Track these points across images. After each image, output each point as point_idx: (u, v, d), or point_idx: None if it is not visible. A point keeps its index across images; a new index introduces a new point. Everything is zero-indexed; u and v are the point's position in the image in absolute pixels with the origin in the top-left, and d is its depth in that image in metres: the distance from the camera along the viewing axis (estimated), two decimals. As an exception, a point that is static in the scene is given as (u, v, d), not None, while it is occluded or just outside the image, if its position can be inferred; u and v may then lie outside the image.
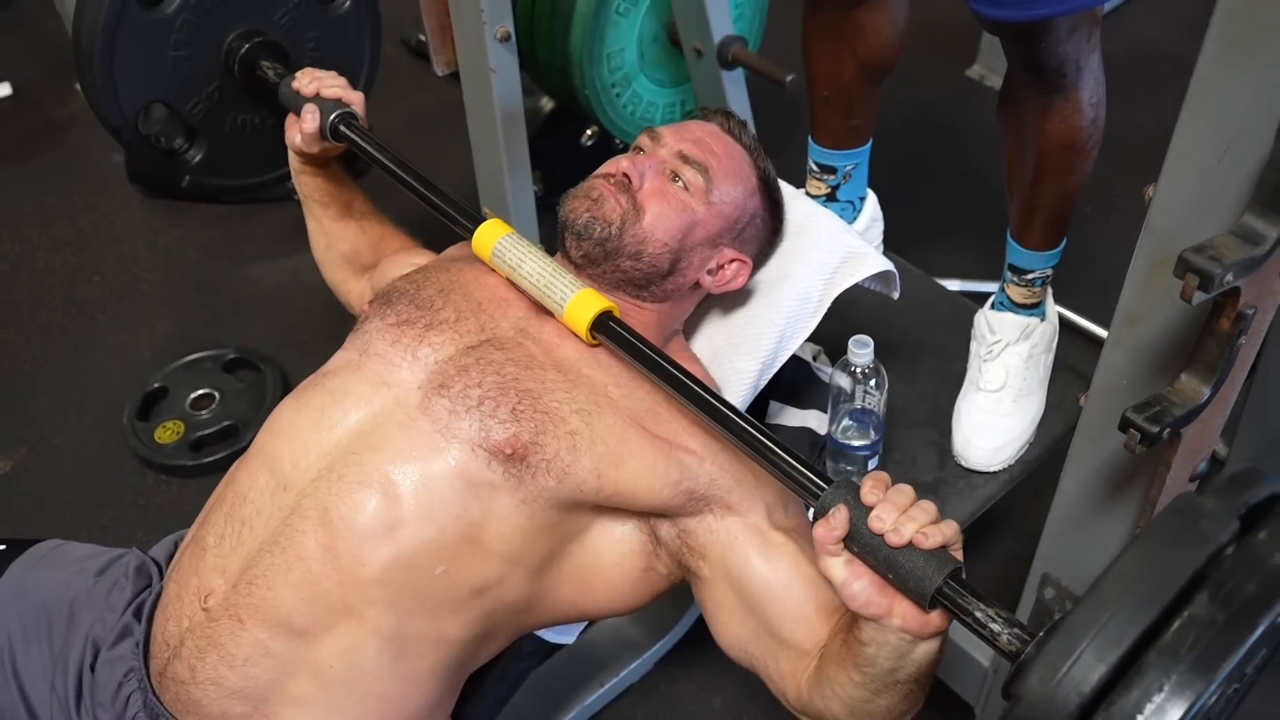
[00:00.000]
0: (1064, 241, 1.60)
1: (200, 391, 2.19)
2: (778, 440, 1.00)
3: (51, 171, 2.78)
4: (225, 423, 2.12)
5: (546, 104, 2.40)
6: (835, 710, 0.99)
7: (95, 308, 2.43)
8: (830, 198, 1.79)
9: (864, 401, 1.50)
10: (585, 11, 2.00)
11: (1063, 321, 1.87)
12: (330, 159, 1.45)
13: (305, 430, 1.11)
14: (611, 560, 1.13)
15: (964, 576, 0.89)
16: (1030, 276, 1.62)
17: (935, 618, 0.90)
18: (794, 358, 1.61)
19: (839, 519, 0.90)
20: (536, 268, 1.18)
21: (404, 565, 1.05)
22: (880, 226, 1.88)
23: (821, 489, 0.94)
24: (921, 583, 0.87)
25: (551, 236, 1.32)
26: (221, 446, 2.09)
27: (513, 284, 1.22)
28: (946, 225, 2.46)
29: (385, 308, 1.20)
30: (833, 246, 1.42)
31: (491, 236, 1.22)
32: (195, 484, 2.06)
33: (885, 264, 1.43)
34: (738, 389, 1.36)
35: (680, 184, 1.24)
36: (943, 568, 0.87)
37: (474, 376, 1.10)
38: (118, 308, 2.43)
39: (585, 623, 1.41)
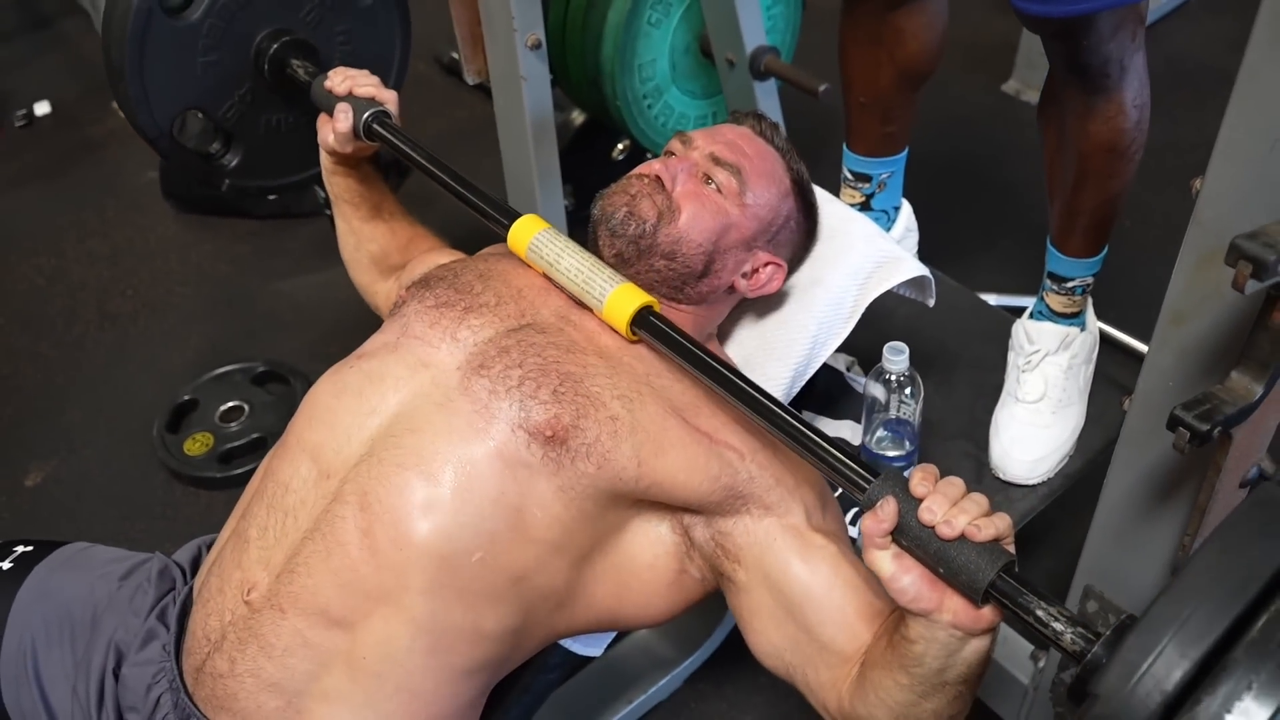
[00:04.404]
0: (1105, 249, 1.57)
1: (230, 404, 2.19)
2: (821, 433, 0.97)
3: (87, 187, 2.81)
4: (254, 435, 2.12)
5: (578, 117, 2.39)
6: (879, 716, 0.96)
7: (128, 321, 2.44)
8: (865, 206, 1.77)
9: (899, 411, 1.47)
10: (616, 22, 1.99)
11: (1104, 337, 1.83)
12: (363, 159, 1.44)
13: (345, 416, 1.10)
14: (646, 560, 1.10)
15: (1017, 570, 0.86)
16: (1070, 284, 1.58)
17: (987, 613, 0.87)
18: (828, 368, 1.58)
19: (887, 511, 0.87)
20: (575, 262, 1.16)
21: (441, 550, 1.02)
22: (915, 237, 1.85)
23: (868, 481, 0.91)
24: (974, 576, 0.84)
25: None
26: (250, 459, 2.09)
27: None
28: (983, 239, 2.43)
29: (424, 290, 1.19)
30: (867, 251, 1.40)
31: (528, 232, 1.20)
32: (223, 496, 2.05)
33: (920, 268, 1.41)
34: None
35: (713, 186, 1.22)
36: (996, 561, 0.84)
37: (514, 357, 1.08)
38: (150, 321, 2.44)
39: (613, 634, 1.39)
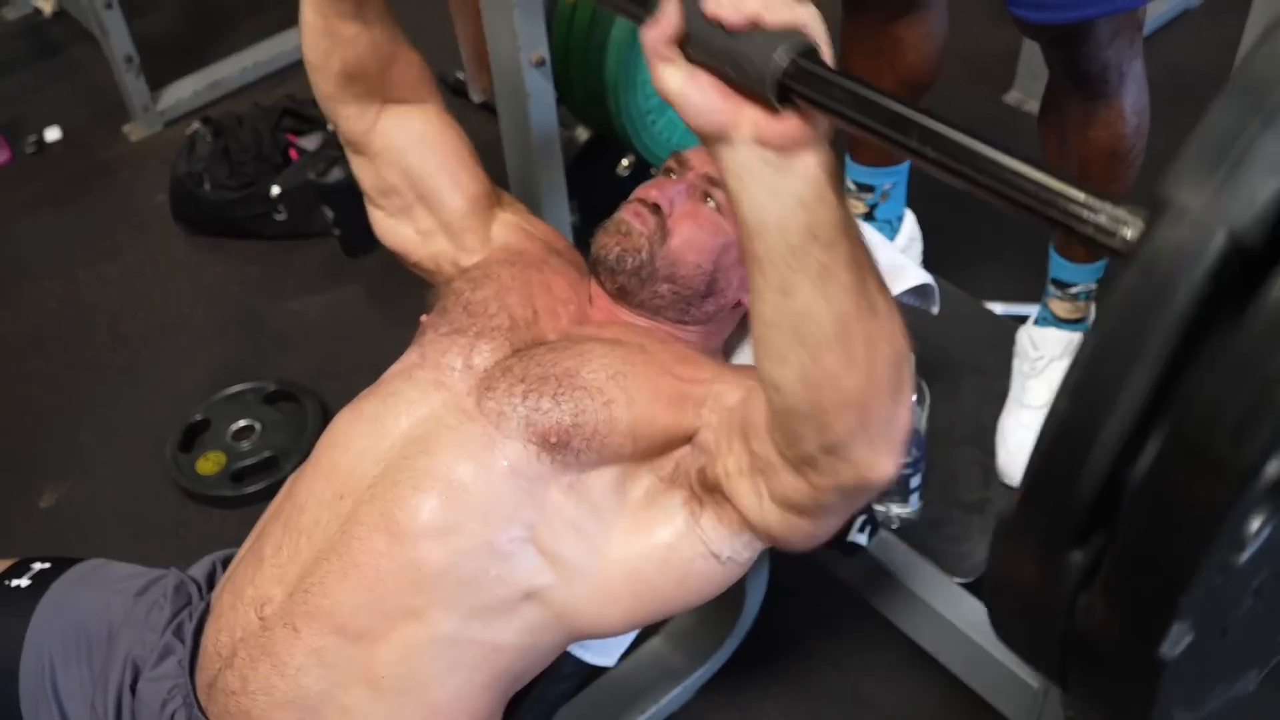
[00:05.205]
0: (1108, 255, 1.58)
1: (241, 423, 2.20)
2: None
3: (98, 211, 2.83)
4: (266, 454, 2.13)
5: (582, 134, 2.41)
6: (767, 367, 0.86)
7: (139, 343, 2.46)
8: (868, 217, 1.78)
9: (906, 419, 1.47)
10: (620, 39, 2.01)
11: (1109, 341, 1.83)
12: None
13: (360, 438, 1.12)
14: (659, 555, 1.07)
15: (826, 60, 0.71)
16: (1074, 290, 1.59)
17: (794, 120, 0.74)
18: (834, 377, 1.59)
19: (669, 11, 0.75)
20: None
21: (459, 569, 1.04)
22: (919, 247, 1.86)
23: None
24: (764, 67, 0.70)
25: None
26: (262, 477, 2.10)
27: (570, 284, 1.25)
28: (988, 249, 2.43)
29: (440, 318, 1.20)
30: (870, 260, 1.40)
31: None
32: (236, 514, 2.06)
33: (924, 277, 1.42)
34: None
35: (712, 204, 1.24)
36: (791, 46, 0.69)
37: (518, 373, 1.10)
38: (161, 343, 2.46)
39: (627, 644, 1.39)
